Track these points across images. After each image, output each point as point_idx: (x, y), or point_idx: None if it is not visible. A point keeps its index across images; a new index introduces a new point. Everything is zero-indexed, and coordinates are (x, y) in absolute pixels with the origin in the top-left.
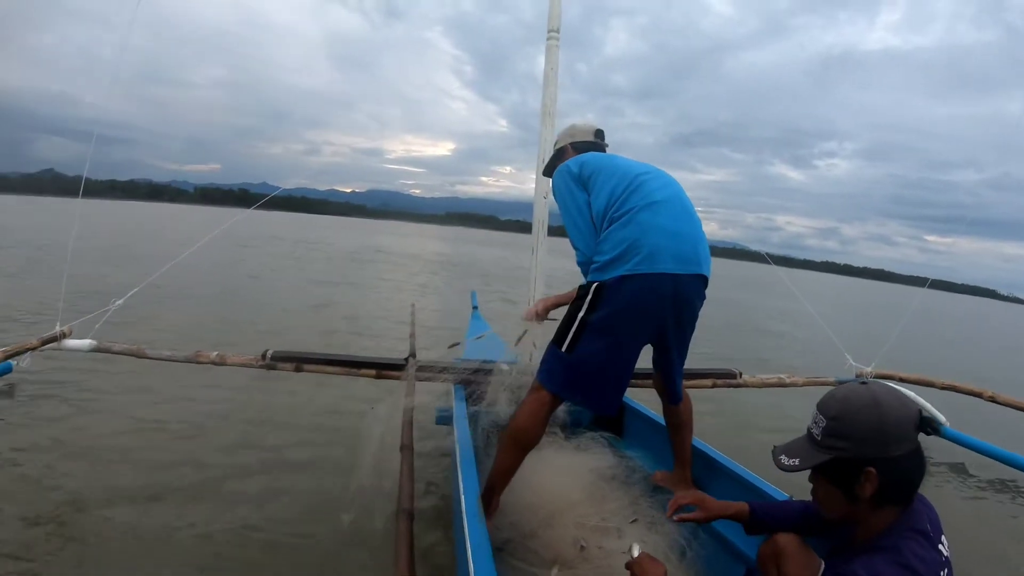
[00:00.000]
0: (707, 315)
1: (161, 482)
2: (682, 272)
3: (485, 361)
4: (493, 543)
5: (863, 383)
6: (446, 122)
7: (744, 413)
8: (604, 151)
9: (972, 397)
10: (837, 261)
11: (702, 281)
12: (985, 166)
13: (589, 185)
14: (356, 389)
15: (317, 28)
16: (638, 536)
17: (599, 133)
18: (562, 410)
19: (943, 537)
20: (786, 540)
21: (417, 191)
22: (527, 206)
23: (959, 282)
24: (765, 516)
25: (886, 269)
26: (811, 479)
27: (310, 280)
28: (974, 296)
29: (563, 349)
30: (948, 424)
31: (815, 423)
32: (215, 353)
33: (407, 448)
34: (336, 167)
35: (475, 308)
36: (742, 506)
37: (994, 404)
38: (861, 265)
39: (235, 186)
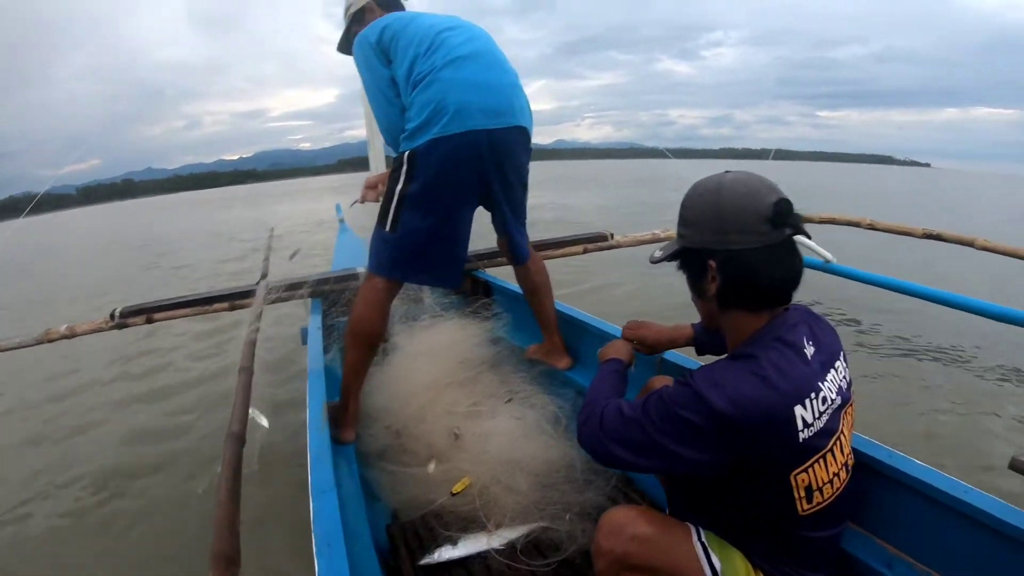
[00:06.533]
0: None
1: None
2: (496, 126)
3: (346, 269)
4: (371, 452)
5: (726, 172)
6: (326, 69)
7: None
8: (403, 8)
9: (852, 227)
10: (735, 146)
11: (522, 133)
12: (869, 40)
13: (391, 52)
14: None
15: None
16: (513, 413)
17: None
18: (428, 302)
19: (839, 363)
20: (661, 382)
21: (306, 144)
22: None
23: (855, 152)
24: (705, 334)
25: (783, 148)
26: None
27: None
28: (872, 164)
29: (387, 228)
30: (835, 260)
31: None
32: (64, 327)
33: (245, 370)
34: (219, 136)
35: (341, 220)
36: (686, 331)
37: (873, 231)
38: (758, 147)
39: (118, 178)
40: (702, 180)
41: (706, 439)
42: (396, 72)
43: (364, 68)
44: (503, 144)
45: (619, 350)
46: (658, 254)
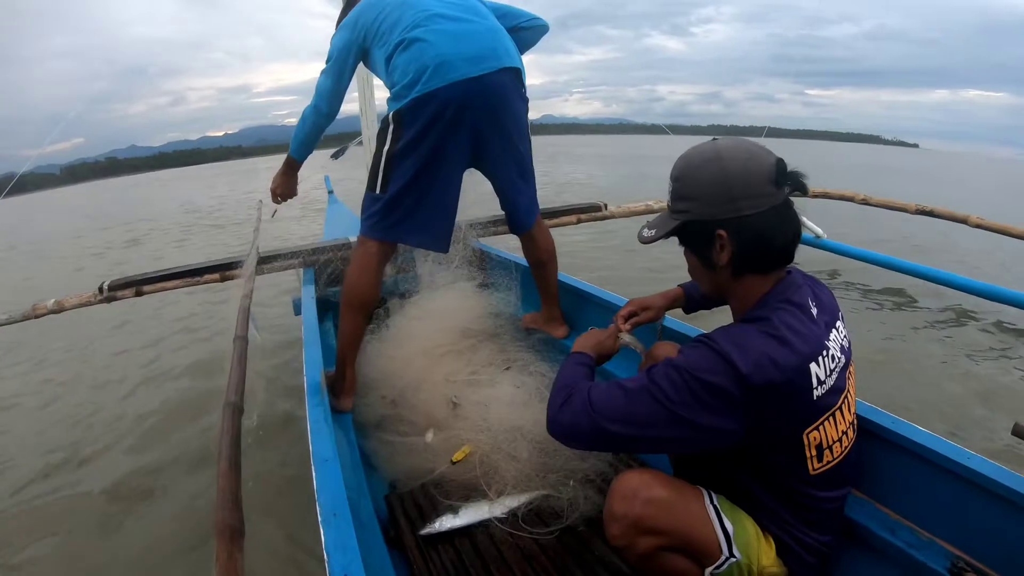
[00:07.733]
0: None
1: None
2: (482, 72)
3: (337, 239)
4: (368, 422)
5: (714, 139)
6: (312, 43)
7: None
8: None
9: (845, 202)
10: (723, 123)
11: (513, 75)
12: (861, 19)
13: (375, 26)
14: None
15: None
16: (512, 381)
17: None
18: (424, 271)
19: (839, 324)
20: (665, 349)
21: (292, 120)
22: None
23: (844, 131)
24: (697, 293)
25: (772, 126)
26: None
27: None
28: (860, 143)
29: (377, 191)
30: (826, 236)
31: (669, 190)
32: (51, 301)
33: (240, 339)
34: (205, 113)
35: (331, 192)
36: (678, 292)
37: (867, 206)
38: (747, 124)
39: (102, 157)
40: (692, 151)
41: (729, 403)
42: (383, 44)
43: (344, 30)
44: (493, 89)
45: (588, 345)
46: (649, 233)
